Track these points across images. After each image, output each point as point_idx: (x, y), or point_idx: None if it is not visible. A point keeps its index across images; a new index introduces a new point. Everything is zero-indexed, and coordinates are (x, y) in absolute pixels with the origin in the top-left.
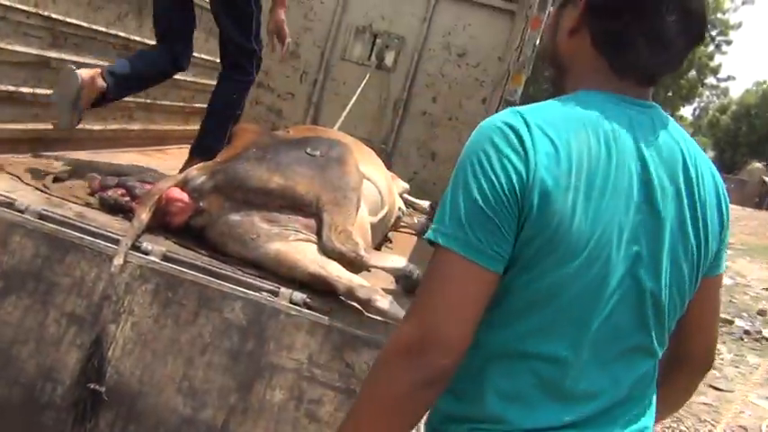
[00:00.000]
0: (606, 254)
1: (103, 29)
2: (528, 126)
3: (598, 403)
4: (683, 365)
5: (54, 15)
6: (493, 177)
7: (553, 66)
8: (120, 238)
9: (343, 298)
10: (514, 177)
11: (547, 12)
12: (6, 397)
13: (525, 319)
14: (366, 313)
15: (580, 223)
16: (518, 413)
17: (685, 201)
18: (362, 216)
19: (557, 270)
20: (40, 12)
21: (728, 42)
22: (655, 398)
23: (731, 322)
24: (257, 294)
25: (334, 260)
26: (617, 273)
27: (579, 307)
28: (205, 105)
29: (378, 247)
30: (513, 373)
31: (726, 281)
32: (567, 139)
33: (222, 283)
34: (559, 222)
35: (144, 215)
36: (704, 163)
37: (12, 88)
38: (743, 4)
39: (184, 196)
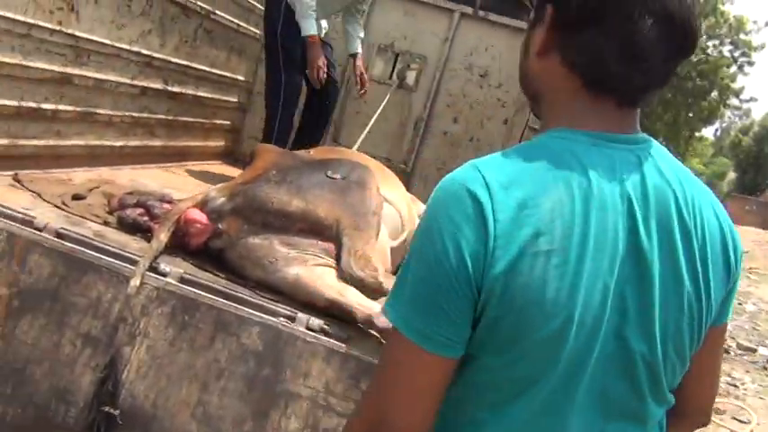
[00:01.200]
0: (590, 320)
1: (126, 46)
2: (488, 188)
3: None
4: (676, 421)
5: (78, 33)
6: (442, 254)
7: (527, 93)
8: (137, 258)
9: (361, 326)
10: (467, 253)
11: None
12: (20, 417)
13: (509, 408)
14: (385, 342)
15: (556, 293)
16: None
17: (680, 249)
18: (383, 240)
19: (535, 349)
20: (64, 29)
21: (751, 63)
22: None
23: (754, 350)
24: (274, 320)
25: (354, 286)
26: (601, 338)
27: (563, 382)
28: (225, 122)
29: (397, 269)
30: None
31: (749, 307)
32: (536, 199)
33: (239, 307)
34: (531, 296)
35: (163, 236)
36: (705, 203)
37: (34, 105)
38: (766, 25)
39: (203, 217)
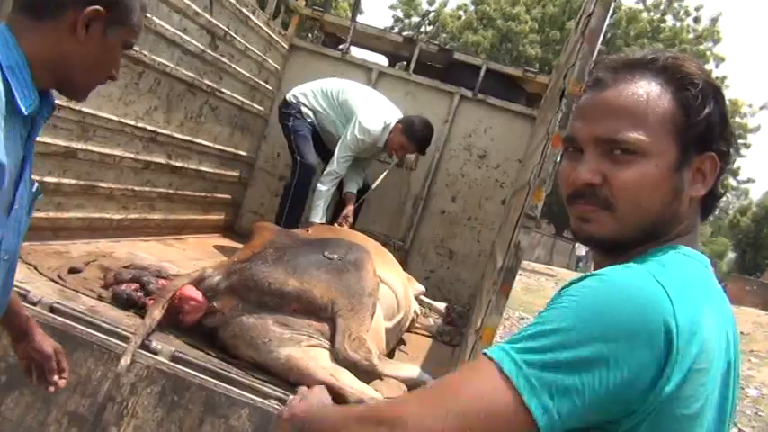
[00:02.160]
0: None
1: (132, 122)
2: (675, 313)
3: None
4: None
5: (85, 109)
6: (611, 365)
7: (645, 221)
8: (129, 335)
9: None
10: (639, 382)
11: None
12: None
13: None
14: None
15: (700, 410)
16: None
17: (732, 359)
18: (378, 321)
19: None
20: (72, 106)
21: (747, 146)
22: None
23: None
24: (265, 401)
25: (347, 368)
26: None
27: None
28: (226, 196)
29: (392, 350)
30: None
31: (751, 392)
32: (701, 315)
33: (230, 387)
34: (680, 412)
35: (156, 313)
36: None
37: (37, 177)
38: (760, 108)
39: (198, 295)
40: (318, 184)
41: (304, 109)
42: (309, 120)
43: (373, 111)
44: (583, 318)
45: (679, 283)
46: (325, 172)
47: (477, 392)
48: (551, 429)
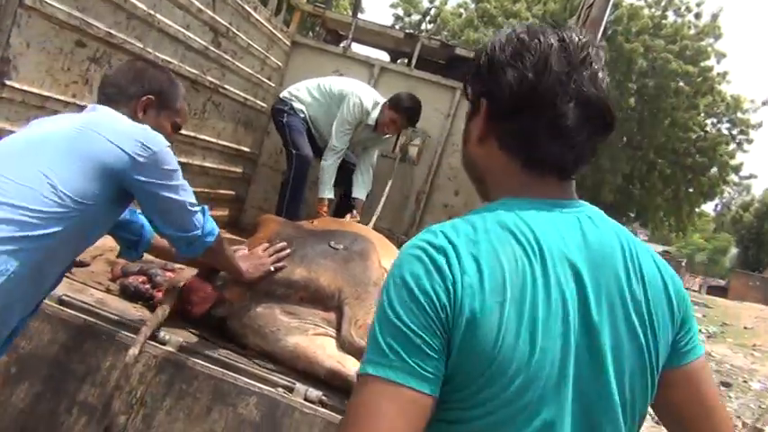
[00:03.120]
0: (545, 373)
1: None
2: (452, 243)
3: None
4: None
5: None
6: (414, 305)
7: (472, 177)
8: (138, 326)
9: None
10: (438, 304)
11: None
12: None
13: None
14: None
15: (511, 345)
16: None
17: (628, 300)
18: None
19: (492, 399)
20: (77, 101)
21: (749, 141)
22: None
23: (761, 431)
24: (272, 390)
25: (354, 355)
26: (556, 391)
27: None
28: (229, 192)
29: None
30: None
31: (754, 385)
32: (493, 256)
33: (237, 376)
34: (489, 347)
35: (167, 305)
36: (644, 253)
37: None
38: (763, 104)
39: (207, 286)
40: (322, 162)
41: (297, 105)
42: (302, 115)
43: (365, 89)
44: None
45: (467, 227)
46: (326, 149)
47: (363, 411)
48: (422, 381)
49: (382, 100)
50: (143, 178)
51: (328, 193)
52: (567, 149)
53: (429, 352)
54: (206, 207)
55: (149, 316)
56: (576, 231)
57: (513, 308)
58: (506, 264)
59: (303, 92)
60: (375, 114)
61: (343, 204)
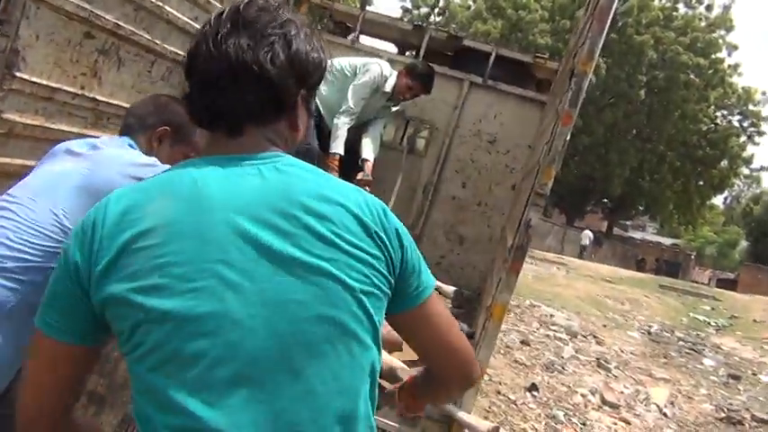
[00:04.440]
0: (207, 301)
1: None
2: (105, 206)
3: None
4: (447, 384)
5: (99, 97)
6: (62, 262)
7: None
8: None
9: (382, 382)
10: (76, 259)
11: (578, 107)
12: None
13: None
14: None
15: (164, 281)
16: None
17: (306, 232)
18: None
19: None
20: (86, 93)
21: (760, 133)
22: None
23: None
24: None
25: None
26: (211, 319)
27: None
28: None
29: None
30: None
31: (764, 378)
32: (140, 206)
33: None
34: (137, 285)
35: None
36: (334, 192)
37: None
38: None
39: None
40: (335, 120)
41: None
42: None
43: (380, 60)
44: None
45: (133, 188)
46: (341, 110)
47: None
48: (57, 333)
49: (395, 72)
50: None
51: (340, 149)
52: (223, 102)
53: (68, 308)
54: None
55: None
56: (250, 177)
57: (158, 247)
58: (154, 212)
59: None
60: (392, 81)
61: (351, 161)
